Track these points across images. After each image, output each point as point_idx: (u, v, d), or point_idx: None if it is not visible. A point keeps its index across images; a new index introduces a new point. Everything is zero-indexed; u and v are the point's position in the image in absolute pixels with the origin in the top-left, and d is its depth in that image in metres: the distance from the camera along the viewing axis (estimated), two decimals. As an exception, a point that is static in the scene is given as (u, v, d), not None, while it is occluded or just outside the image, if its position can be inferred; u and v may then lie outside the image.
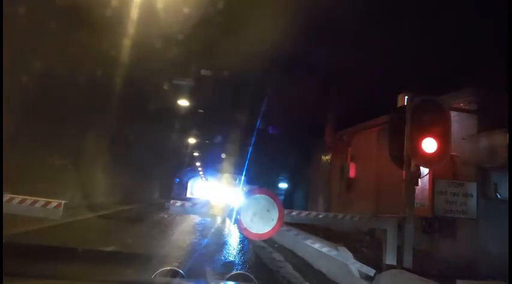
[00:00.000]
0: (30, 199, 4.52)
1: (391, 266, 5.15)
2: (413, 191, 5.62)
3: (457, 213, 6.59)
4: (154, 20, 7.43)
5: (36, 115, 9.55)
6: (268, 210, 4.74)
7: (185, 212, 6.49)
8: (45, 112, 9.81)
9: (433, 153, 5.38)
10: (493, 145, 7.07)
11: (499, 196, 6.91)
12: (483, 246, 7.04)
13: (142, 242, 9.46)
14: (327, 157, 17.64)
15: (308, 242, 6.02)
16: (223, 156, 24.84)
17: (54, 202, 4.54)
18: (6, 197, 4.39)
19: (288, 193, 23.02)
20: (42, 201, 4.55)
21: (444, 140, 5.44)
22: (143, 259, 6.88)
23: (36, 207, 4.52)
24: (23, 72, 7.86)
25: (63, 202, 4.58)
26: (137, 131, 16.13)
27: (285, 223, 5.02)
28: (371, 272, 5.28)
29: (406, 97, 5.92)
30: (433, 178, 6.66)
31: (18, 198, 4.47)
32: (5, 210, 4.36)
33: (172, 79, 11.34)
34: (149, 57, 8.87)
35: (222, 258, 8.58)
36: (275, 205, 4.78)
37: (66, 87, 9.35)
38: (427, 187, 6.80)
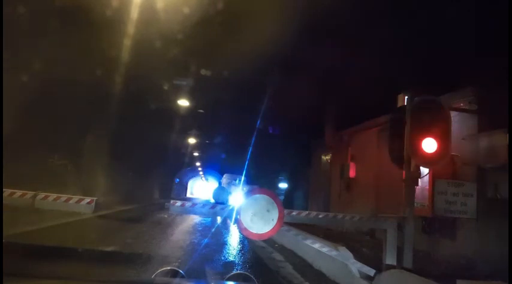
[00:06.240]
0: (64, 196, 5.18)
1: (391, 266, 5.15)
2: (413, 191, 5.62)
3: (457, 212, 6.59)
4: (154, 20, 7.43)
5: (36, 115, 9.54)
6: (268, 210, 4.74)
7: (185, 212, 6.50)
8: (44, 112, 9.81)
9: (433, 153, 5.37)
10: (493, 145, 7.07)
11: (499, 196, 6.91)
12: (483, 246, 7.04)
13: (142, 242, 9.46)
14: (327, 157, 17.66)
15: (308, 242, 6.02)
16: (223, 156, 24.83)
17: (87, 199, 5.27)
18: (41, 195, 5.05)
19: (288, 193, 23.02)
20: (76, 197, 5.28)
21: (444, 140, 5.44)
22: (143, 259, 6.87)
23: (71, 203, 5.20)
24: (23, 72, 7.86)
25: (95, 199, 5.29)
26: (137, 131, 16.12)
27: (285, 223, 5.02)
28: (371, 272, 5.28)
29: (406, 97, 5.92)
30: (433, 178, 6.66)
31: (53, 195, 5.12)
32: (42, 206, 5.12)
33: (172, 79, 11.35)
34: (149, 57, 8.87)
35: (222, 258, 8.57)
36: (275, 205, 4.78)
37: (66, 86, 9.35)
38: (427, 187, 6.81)
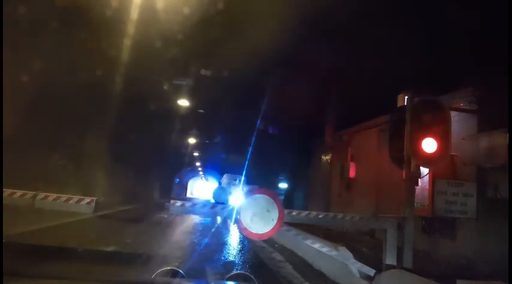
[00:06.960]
0: (64, 196, 5.14)
1: (391, 266, 5.15)
2: (413, 191, 5.62)
3: (457, 213, 6.58)
4: (154, 20, 7.43)
5: (36, 115, 9.54)
6: (268, 210, 4.74)
7: (185, 212, 6.50)
8: (45, 112, 9.80)
9: (433, 153, 5.37)
10: (493, 145, 7.07)
11: (499, 196, 6.91)
12: (483, 246, 7.04)
13: (142, 242, 9.45)
14: (327, 157, 17.67)
15: (308, 242, 6.01)
16: (223, 156, 24.85)
17: (87, 199, 5.25)
18: (41, 195, 5.03)
19: (288, 193, 23.02)
20: (76, 197, 5.24)
21: (444, 140, 5.44)
22: (143, 259, 6.87)
23: (71, 203, 5.17)
24: (23, 72, 7.87)
25: (95, 199, 5.26)
26: (137, 131, 16.11)
27: (285, 223, 5.02)
28: (371, 272, 5.28)
29: (406, 97, 5.92)
30: (433, 178, 6.65)
31: (53, 195, 5.09)
32: (42, 206, 5.08)
33: (172, 79, 11.35)
34: (149, 57, 8.88)
35: (222, 258, 8.57)
36: (275, 205, 4.78)
37: (67, 87, 9.35)
38: (427, 187, 6.79)
